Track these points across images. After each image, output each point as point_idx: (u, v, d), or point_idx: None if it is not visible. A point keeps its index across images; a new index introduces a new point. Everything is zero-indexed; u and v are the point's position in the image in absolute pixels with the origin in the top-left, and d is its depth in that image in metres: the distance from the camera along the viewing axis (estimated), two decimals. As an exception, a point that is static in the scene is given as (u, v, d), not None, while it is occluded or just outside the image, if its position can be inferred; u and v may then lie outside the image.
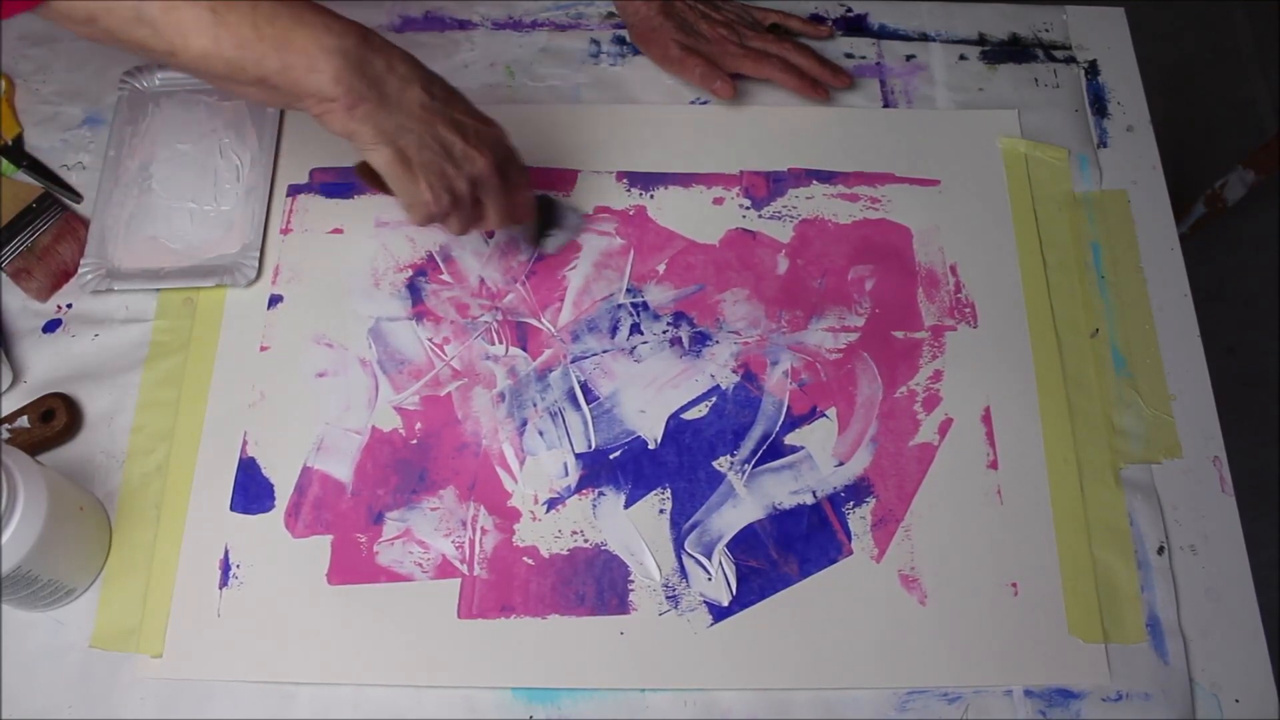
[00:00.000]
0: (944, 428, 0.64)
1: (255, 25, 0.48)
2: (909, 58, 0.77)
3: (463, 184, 0.55)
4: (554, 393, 0.65)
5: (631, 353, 0.66)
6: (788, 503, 0.62)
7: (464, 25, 0.78)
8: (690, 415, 0.65)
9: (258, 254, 0.68)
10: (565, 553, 0.61)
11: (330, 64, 0.49)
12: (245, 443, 0.63)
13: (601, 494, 0.62)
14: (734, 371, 0.66)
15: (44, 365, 0.65)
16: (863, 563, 0.61)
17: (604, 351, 0.66)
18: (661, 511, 0.62)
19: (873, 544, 0.61)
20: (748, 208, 0.71)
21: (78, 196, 0.71)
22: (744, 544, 0.61)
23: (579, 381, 0.65)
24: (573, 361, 0.66)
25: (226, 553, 0.60)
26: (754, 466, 0.63)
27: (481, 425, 0.64)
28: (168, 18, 0.47)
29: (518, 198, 0.60)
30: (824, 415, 0.65)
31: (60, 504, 0.55)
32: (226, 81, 0.50)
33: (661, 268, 0.69)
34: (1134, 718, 0.57)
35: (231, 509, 0.61)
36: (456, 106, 0.54)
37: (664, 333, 0.67)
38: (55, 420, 0.62)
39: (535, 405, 0.65)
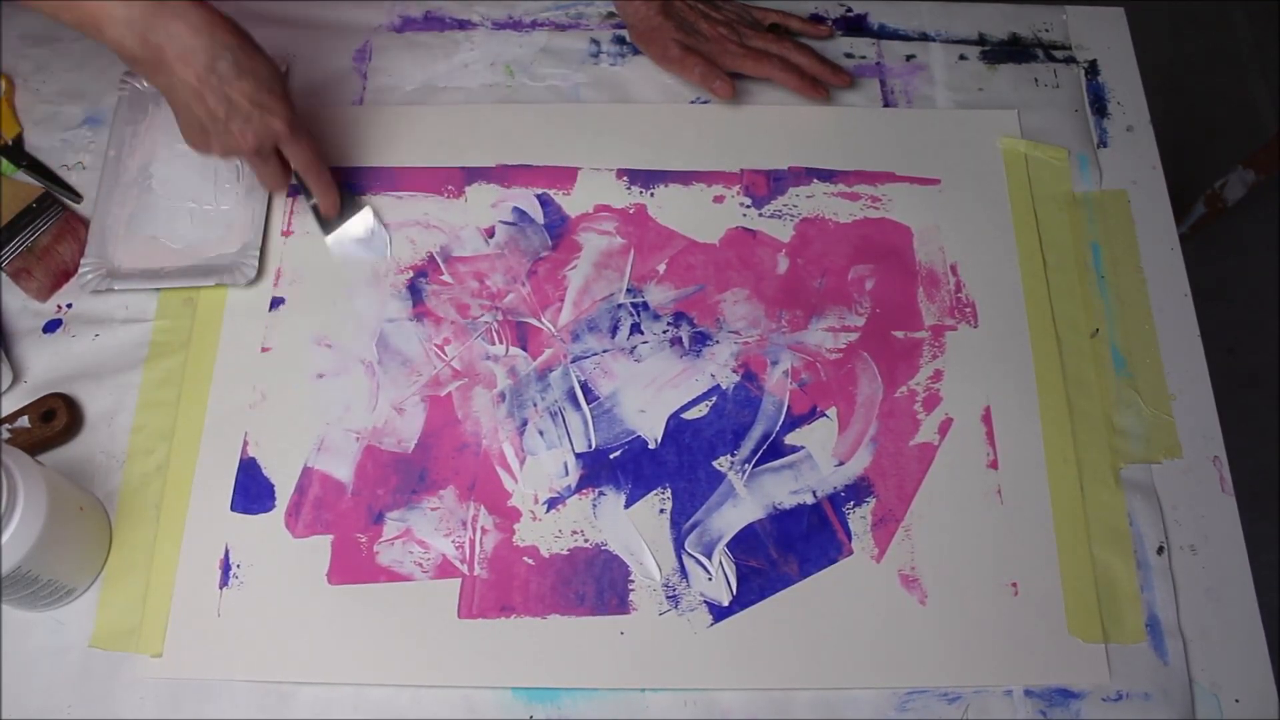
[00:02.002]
0: (944, 427, 0.64)
1: None
2: (909, 58, 0.77)
3: (216, 150, 0.61)
4: (554, 393, 0.65)
5: (631, 352, 0.66)
6: (788, 502, 0.62)
7: (464, 25, 0.78)
8: (690, 415, 0.65)
9: (257, 253, 0.68)
10: (565, 553, 0.61)
11: (112, 30, 0.55)
12: (246, 443, 0.63)
13: (601, 494, 0.62)
14: (734, 371, 0.66)
15: (44, 365, 0.65)
16: (863, 563, 0.61)
17: (604, 351, 0.66)
18: (661, 511, 0.62)
19: (873, 544, 0.61)
20: (748, 206, 0.71)
21: (78, 196, 0.71)
22: (744, 544, 0.61)
23: (579, 381, 0.65)
24: (573, 361, 0.66)
25: (226, 553, 0.60)
26: (754, 466, 0.63)
27: (481, 425, 0.64)
28: None
29: (305, 175, 0.66)
30: (824, 415, 0.65)
31: (60, 504, 0.55)
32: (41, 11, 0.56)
33: (662, 268, 0.69)
34: (1134, 718, 0.57)
35: (232, 509, 0.61)
36: (236, 86, 0.58)
37: (664, 332, 0.67)
38: (55, 420, 0.62)
39: (535, 405, 0.65)
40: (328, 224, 0.69)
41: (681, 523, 0.62)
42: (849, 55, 0.77)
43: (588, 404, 0.65)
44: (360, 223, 0.69)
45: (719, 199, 0.71)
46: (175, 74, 0.57)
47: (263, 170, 0.65)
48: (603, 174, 0.72)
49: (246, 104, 0.59)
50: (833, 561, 0.61)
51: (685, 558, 0.61)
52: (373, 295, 0.68)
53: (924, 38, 0.78)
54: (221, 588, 0.60)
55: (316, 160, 0.65)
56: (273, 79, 0.61)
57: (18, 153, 0.71)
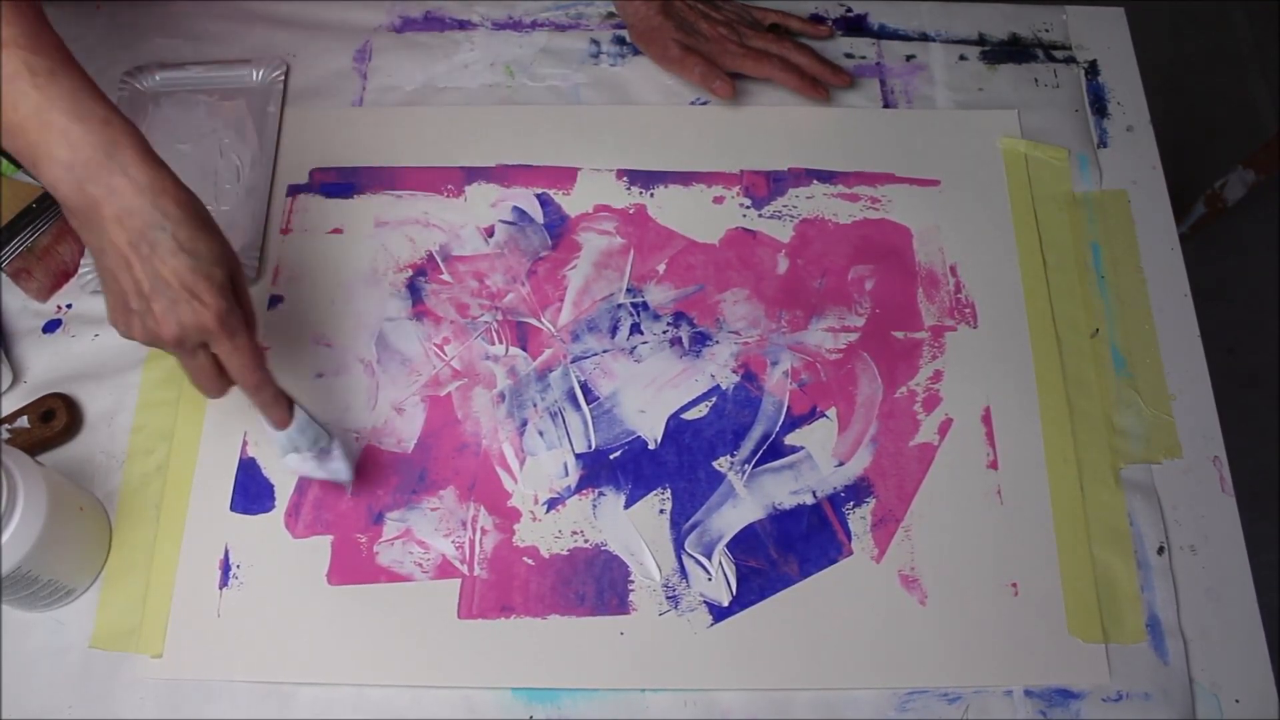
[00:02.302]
0: (944, 428, 0.64)
1: (11, 101, 0.48)
2: (909, 58, 0.77)
3: (136, 332, 0.52)
4: (554, 393, 0.65)
5: (631, 353, 0.66)
6: (788, 503, 0.62)
7: (464, 25, 0.78)
8: (690, 415, 0.65)
9: (258, 254, 0.68)
10: (565, 553, 0.61)
11: (49, 172, 0.49)
12: (245, 443, 0.63)
13: (601, 494, 0.62)
14: (734, 371, 0.66)
15: (44, 365, 0.65)
16: (863, 563, 0.61)
17: (604, 351, 0.66)
18: (661, 511, 0.62)
19: (873, 544, 0.61)
20: (748, 207, 0.71)
21: (78, 197, 0.70)
22: (744, 544, 0.61)
23: (579, 381, 0.65)
24: (573, 361, 0.66)
25: (226, 553, 0.60)
26: (754, 466, 0.63)
27: (481, 425, 0.64)
28: None
29: (241, 385, 0.55)
30: (824, 415, 0.65)
31: (60, 504, 0.55)
32: None
33: (661, 268, 0.69)
34: (1134, 718, 0.57)
35: (231, 509, 0.61)
36: (169, 264, 0.50)
37: (664, 333, 0.67)
38: (55, 420, 0.62)
39: (535, 405, 0.65)
40: (279, 438, 0.57)
41: (681, 523, 0.62)
42: (849, 55, 0.77)
43: (588, 404, 0.65)
44: (317, 446, 0.58)
45: (719, 199, 0.71)
46: (106, 234, 0.50)
47: (189, 367, 0.54)
48: (603, 174, 0.72)
49: (176, 285, 0.50)
50: (833, 562, 0.61)
51: (685, 558, 0.61)
52: (372, 294, 0.68)
53: (924, 38, 0.78)
54: (221, 588, 0.60)
55: (255, 368, 0.54)
56: (215, 263, 0.51)
57: (18, 153, 0.71)
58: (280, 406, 0.56)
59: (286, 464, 0.58)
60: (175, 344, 0.52)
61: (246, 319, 0.53)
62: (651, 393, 0.65)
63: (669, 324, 0.67)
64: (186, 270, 0.50)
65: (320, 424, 0.58)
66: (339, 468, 0.59)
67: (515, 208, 0.71)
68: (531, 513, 0.62)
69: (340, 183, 0.71)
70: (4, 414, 0.63)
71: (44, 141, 0.48)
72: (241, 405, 0.63)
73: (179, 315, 0.51)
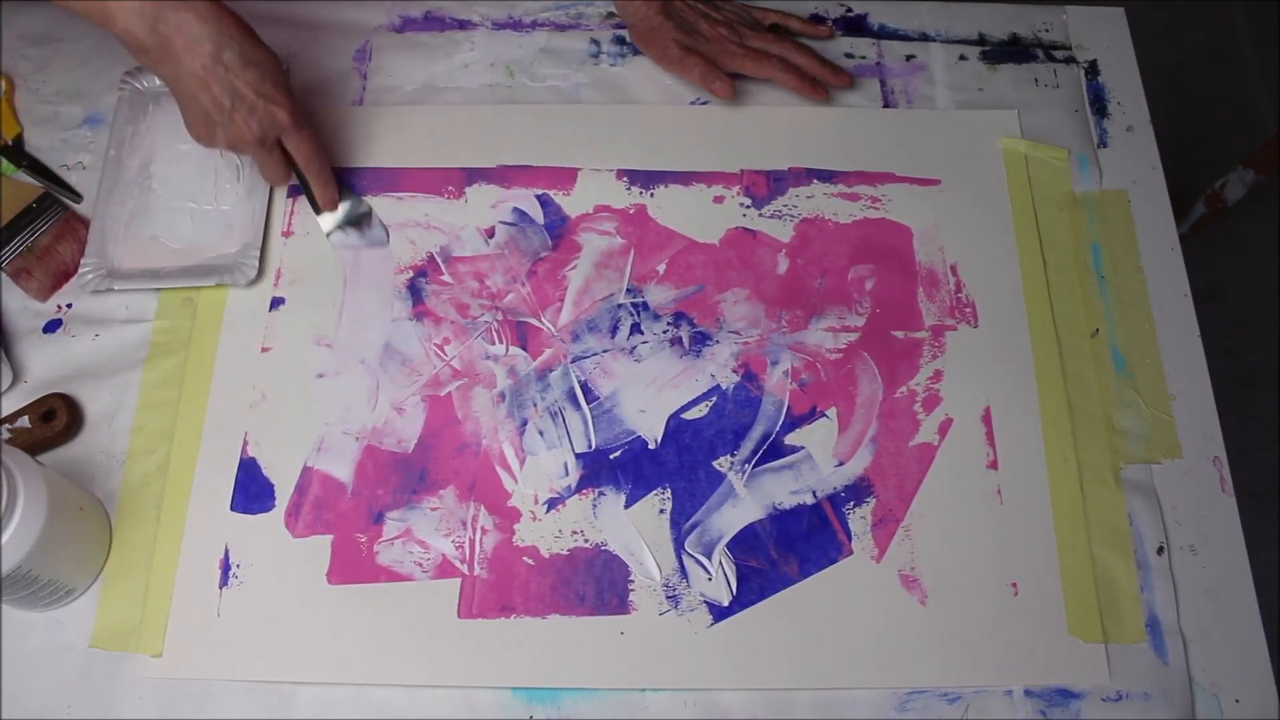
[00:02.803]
0: (944, 428, 0.64)
1: None
2: (909, 58, 0.77)
3: (221, 141, 0.62)
4: (554, 392, 0.65)
5: (631, 352, 0.66)
6: (788, 503, 0.62)
7: (464, 25, 0.78)
8: (690, 415, 0.65)
9: (258, 253, 0.68)
10: (565, 553, 0.61)
11: (123, 19, 0.57)
12: (246, 443, 0.63)
13: (601, 494, 0.62)
14: (734, 371, 0.66)
15: (44, 365, 0.65)
16: (863, 563, 0.61)
17: (604, 351, 0.66)
18: (661, 511, 0.62)
19: (873, 544, 0.61)
20: (748, 206, 0.71)
21: (78, 196, 0.71)
22: (744, 544, 0.61)
23: (579, 381, 0.65)
24: (573, 361, 0.66)
25: (226, 553, 0.60)
26: (754, 466, 0.63)
27: (481, 425, 0.64)
28: None
29: (306, 168, 0.66)
30: (824, 415, 0.65)
31: (60, 504, 0.55)
32: None
33: (662, 267, 0.69)
34: (1134, 718, 0.57)
35: (232, 509, 0.61)
36: (242, 76, 0.60)
37: (664, 332, 0.67)
38: (55, 420, 0.62)
39: (535, 405, 0.65)
40: (327, 218, 0.69)
41: (681, 523, 0.62)
42: (849, 55, 0.77)
43: (588, 404, 0.65)
44: (359, 217, 0.69)
45: (719, 199, 0.71)
46: (182, 63, 0.58)
47: (265, 162, 0.65)
48: (603, 174, 0.72)
49: (251, 94, 0.60)
50: (833, 562, 0.61)
51: (685, 558, 0.61)
52: (372, 295, 0.68)
53: (924, 38, 0.78)
54: (221, 588, 0.60)
55: (319, 153, 0.66)
56: (276, 71, 0.62)
57: (18, 153, 0.71)
58: (334, 186, 0.68)
59: (333, 241, 0.68)
60: (257, 144, 0.63)
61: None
62: (651, 393, 0.65)
63: (669, 324, 0.67)
64: (258, 79, 0.60)
65: (357, 195, 0.69)
66: (378, 235, 0.69)
67: (515, 209, 0.71)
68: (531, 512, 0.62)
69: (340, 180, 0.71)
70: (4, 414, 0.63)
71: None
72: (241, 405, 0.64)
73: (259, 118, 0.61)
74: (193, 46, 0.58)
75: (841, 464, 0.63)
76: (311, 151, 0.65)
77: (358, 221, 0.69)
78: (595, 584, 0.60)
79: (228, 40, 0.59)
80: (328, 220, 0.69)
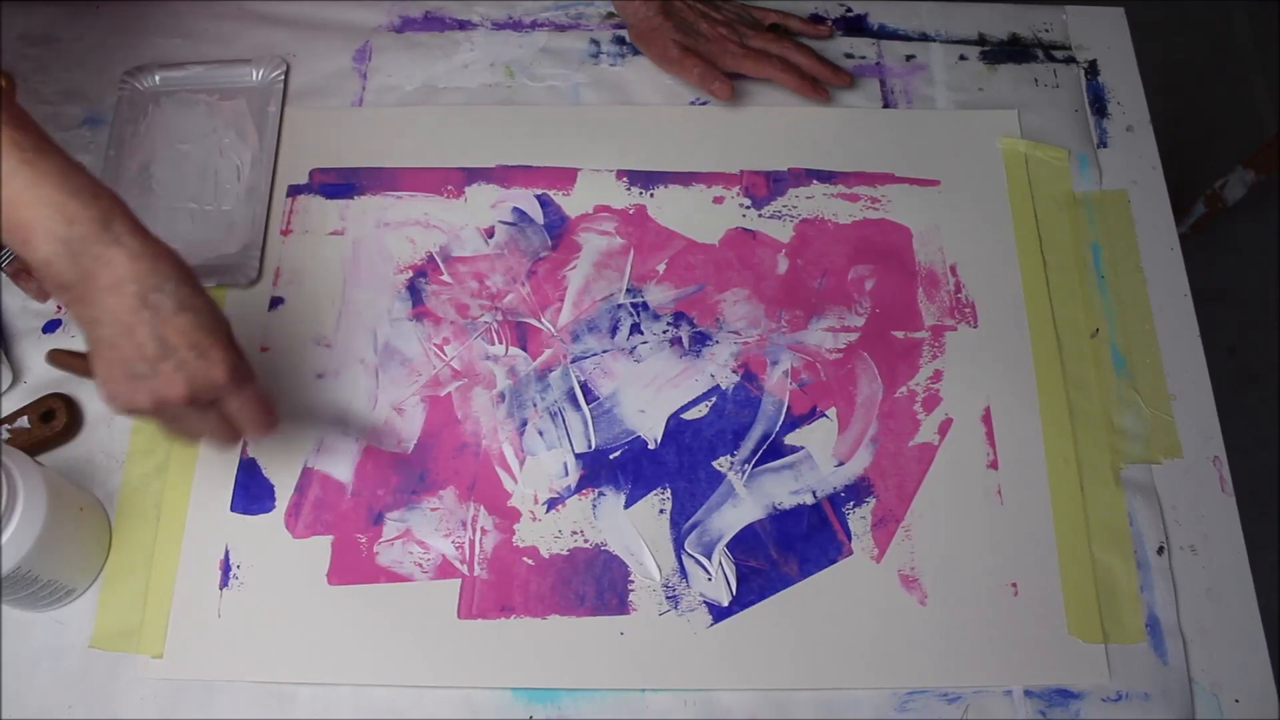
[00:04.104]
0: (944, 428, 0.64)
1: (4, 179, 0.46)
2: (909, 58, 0.77)
3: (142, 399, 0.50)
4: (554, 393, 0.65)
5: (631, 353, 0.66)
6: (788, 503, 0.62)
7: (464, 25, 0.78)
8: (690, 415, 0.65)
9: (258, 254, 0.68)
10: (565, 553, 0.61)
11: (44, 248, 0.47)
12: (246, 443, 0.63)
13: (601, 494, 0.62)
14: (734, 371, 0.66)
15: (44, 365, 0.65)
16: (863, 563, 0.61)
17: (604, 351, 0.66)
18: (661, 511, 0.62)
19: (873, 544, 0.61)
20: (748, 207, 0.71)
21: (78, 197, 0.70)
22: (744, 544, 0.61)
23: (579, 381, 0.65)
24: (573, 361, 0.66)
25: (226, 553, 0.60)
26: (754, 466, 0.63)
27: (481, 425, 0.64)
28: None
29: (249, 425, 0.54)
30: (824, 415, 0.65)
31: (60, 504, 0.55)
32: None
33: (661, 267, 0.69)
34: (1134, 718, 0.57)
35: (232, 509, 0.61)
36: (173, 324, 0.49)
37: (664, 333, 0.67)
38: (55, 420, 0.62)
39: (535, 405, 0.65)
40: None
41: (681, 523, 0.62)
42: (849, 55, 0.77)
43: (587, 404, 0.65)
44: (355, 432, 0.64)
45: (719, 200, 0.71)
46: (104, 304, 0.48)
47: (200, 427, 0.53)
48: (602, 174, 0.72)
49: (183, 344, 0.49)
50: (833, 562, 0.61)
51: (685, 558, 0.61)
52: (372, 295, 0.68)
53: (924, 38, 0.78)
54: (221, 588, 0.60)
55: (265, 415, 0.54)
56: (214, 320, 0.51)
57: (18, 153, 0.71)
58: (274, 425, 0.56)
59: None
60: (187, 403, 0.51)
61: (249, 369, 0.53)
62: (651, 393, 0.65)
63: (669, 324, 0.67)
64: (192, 328, 0.50)
65: (332, 422, 0.63)
66: (386, 439, 0.64)
67: (515, 208, 0.71)
68: (531, 513, 0.62)
69: (340, 183, 0.71)
70: (4, 414, 0.63)
71: (38, 217, 0.47)
72: (241, 405, 0.64)
73: (189, 373, 0.50)
74: (118, 286, 0.48)
75: (841, 464, 0.63)
76: (255, 415, 0.53)
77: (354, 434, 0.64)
78: (595, 584, 0.60)
79: (160, 281, 0.49)
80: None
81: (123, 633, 0.58)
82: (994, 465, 0.63)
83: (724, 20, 0.74)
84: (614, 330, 0.67)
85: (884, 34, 0.78)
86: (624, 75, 0.76)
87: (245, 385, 0.52)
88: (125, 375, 0.50)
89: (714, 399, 0.65)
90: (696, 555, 0.61)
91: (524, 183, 0.71)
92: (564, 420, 0.64)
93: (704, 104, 0.75)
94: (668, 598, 0.60)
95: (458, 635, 0.59)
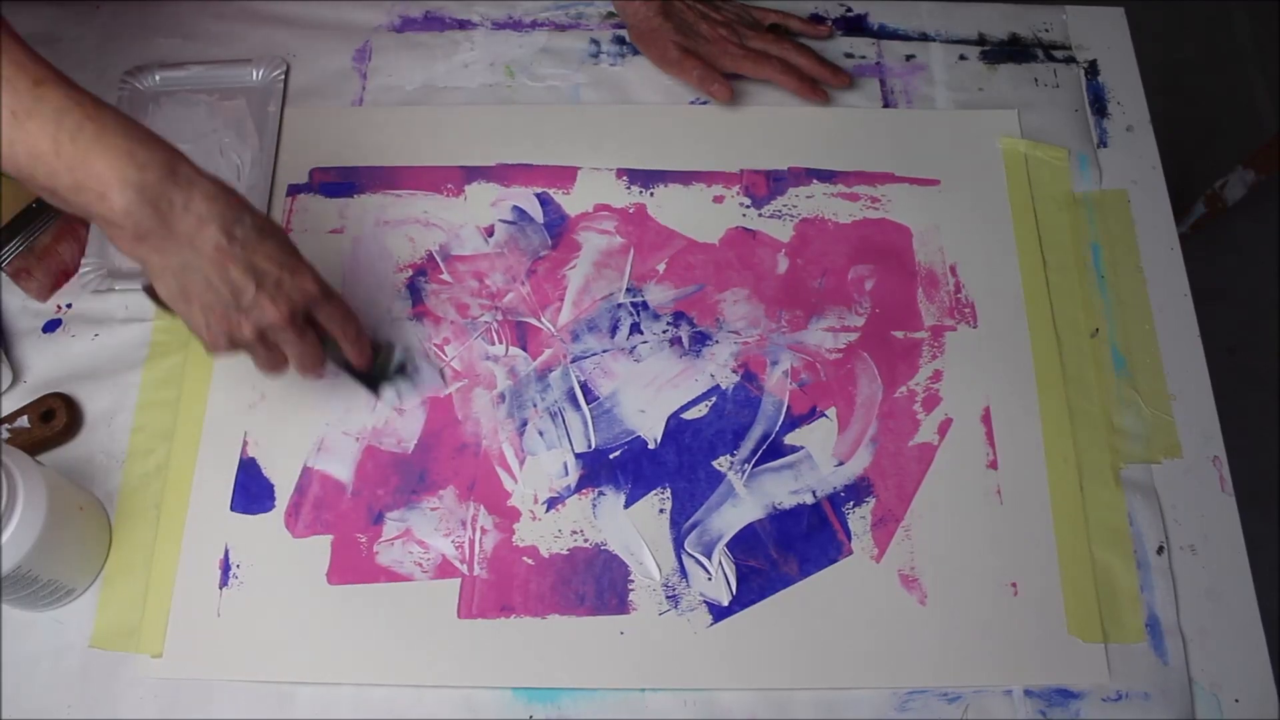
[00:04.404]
0: (944, 428, 0.64)
1: (55, 139, 0.47)
2: (909, 58, 0.77)
3: (247, 330, 0.53)
4: (554, 393, 0.65)
5: (631, 352, 0.66)
6: (788, 502, 0.62)
7: (464, 25, 0.78)
8: (690, 415, 0.65)
9: (258, 254, 0.67)
10: (565, 552, 0.61)
11: (122, 197, 0.47)
12: (245, 443, 0.63)
13: (601, 494, 0.62)
14: (734, 371, 0.66)
15: (44, 365, 0.65)
16: (863, 563, 0.61)
17: (604, 351, 0.66)
18: (661, 511, 0.62)
19: (873, 544, 0.61)
20: (748, 206, 0.71)
21: (78, 196, 0.70)
22: (744, 544, 0.61)
23: (579, 381, 0.65)
24: (573, 361, 0.66)
25: (226, 553, 0.60)
26: (754, 466, 0.63)
27: (481, 425, 0.64)
28: None
29: (343, 337, 0.57)
30: (824, 415, 0.65)
31: (60, 504, 0.55)
32: (21, 178, 0.49)
33: (661, 267, 0.69)
34: (1134, 718, 0.57)
35: (232, 509, 0.61)
36: (260, 251, 0.51)
37: (664, 332, 0.67)
38: (55, 420, 0.62)
39: (535, 405, 0.65)
40: (366, 376, 0.63)
41: (681, 523, 0.62)
42: (849, 55, 0.77)
43: (587, 404, 0.65)
44: (399, 360, 0.65)
45: (719, 199, 0.71)
46: (191, 245, 0.50)
47: (300, 345, 0.55)
48: (603, 174, 0.72)
49: (274, 268, 0.52)
50: (833, 561, 0.61)
51: (685, 558, 0.61)
52: (372, 294, 0.68)
53: (924, 38, 0.78)
54: (221, 588, 0.60)
55: (351, 315, 0.57)
56: (288, 239, 0.54)
57: (18, 153, 0.71)
58: (367, 344, 0.60)
59: (385, 400, 0.64)
60: (288, 323, 0.53)
61: None
62: (651, 392, 0.65)
63: (669, 324, 0.67)
64: (278, 250, 0.52)
65: (393, 345, 0.65)
66: (430, 377, 0.65)
67: (515, 207, 0.71)
68: (531, 512, 0.62)
69: (340, 182, 0.71)
70: (4, 414, 0.63)
71: (111, 167, 0.47)
72: (241, 405, 0.64)
73: (288, 293, 0.53)
74: (202, 226, 0.50)
75: (841, 464, 0.63)
76: (345, 316, 0.57)
77: (402, 369, 0.65)
78: (595, 584, 0.60)
79: (238, 214, 0.51)
80: (368, 380, 0.63)
81: (122, 632, 0.58)
82: (994, 465, 0.63)
83: (724, 21, 0.74)
84: (614, 330, 0.67)
85: (884, 34, 0.78)
86: (624, 75, 0.76)
87: (333, 293, 0.56)
88: (225, 312, 0.52)
89: (714, 399, 0.65)
90: (696, 555, 0.61)
91: (524, 181, 0.71)
92: (564, 420, 0.64)
93: (704, 103, 0.75)
94: (668, 597, 0.60)
95: (458, 635, 0.59)
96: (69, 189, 0.48)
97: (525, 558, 0.61)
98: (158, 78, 0.73)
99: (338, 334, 0.57)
